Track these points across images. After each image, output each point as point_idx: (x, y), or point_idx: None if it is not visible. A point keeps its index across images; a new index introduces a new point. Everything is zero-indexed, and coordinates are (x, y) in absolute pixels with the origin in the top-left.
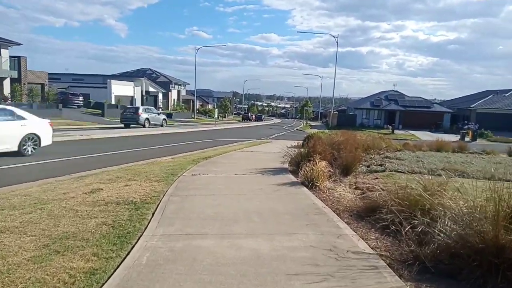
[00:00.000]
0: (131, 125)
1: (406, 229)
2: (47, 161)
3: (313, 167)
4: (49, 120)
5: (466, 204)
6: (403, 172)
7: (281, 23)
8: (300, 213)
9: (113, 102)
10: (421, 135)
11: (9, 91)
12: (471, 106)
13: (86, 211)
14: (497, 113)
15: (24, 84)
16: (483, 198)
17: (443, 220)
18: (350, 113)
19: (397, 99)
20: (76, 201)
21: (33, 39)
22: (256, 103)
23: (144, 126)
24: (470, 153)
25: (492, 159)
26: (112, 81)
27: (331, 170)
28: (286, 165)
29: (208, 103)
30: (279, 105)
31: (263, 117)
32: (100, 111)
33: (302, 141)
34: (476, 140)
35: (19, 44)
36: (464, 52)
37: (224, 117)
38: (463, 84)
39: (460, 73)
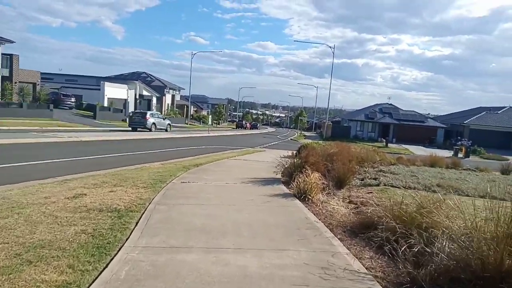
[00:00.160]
0: (138, 129)
1: (402, 248)
2: (29, 163)
3: (306, 178)
4: None
5: (464, 224)
6: (398, 187)
7: (279, 32)
8: (291, 227)
9: (105, 104)
10: (415, 150)
11: None
12: (464, 122)
13: (66, 217)
14: (489, 130)
15: (15, 82)
16: (481, 217)
17: (441, 240)
18: (345, 125)
19: (391, 112)
20: (57, 206)
21: (30, 38)
22: (251, 111)
23: (150, 130)
24: (464, 169)
25: (486, 177)
26: (106, 83)
27: (325, 182)
28: (279, 176)
29: (202, 109)
30: (273, 114)
31: (258, 125)
32: (92, 113)
33: (296, 151)
34: (469, 157)
35: (12, 42)
36: (458, 68)
37: (218, 124)
38: (456, 100)
39: (454, 88)
